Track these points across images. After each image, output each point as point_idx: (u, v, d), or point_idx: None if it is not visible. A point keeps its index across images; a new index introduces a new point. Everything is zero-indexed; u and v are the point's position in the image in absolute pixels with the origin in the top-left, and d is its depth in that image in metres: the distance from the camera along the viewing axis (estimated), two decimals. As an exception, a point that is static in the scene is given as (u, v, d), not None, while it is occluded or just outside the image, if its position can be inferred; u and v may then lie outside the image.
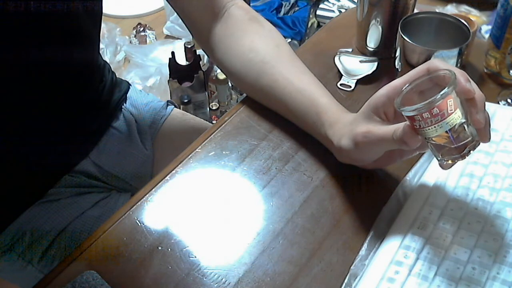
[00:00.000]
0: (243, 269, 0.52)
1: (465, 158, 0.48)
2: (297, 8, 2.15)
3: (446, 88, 0.45)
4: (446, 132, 0.46)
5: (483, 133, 0.49)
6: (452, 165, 0.51)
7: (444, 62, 0.50)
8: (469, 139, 0.47)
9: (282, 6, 2.15)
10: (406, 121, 0.48)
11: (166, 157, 0.75)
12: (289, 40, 2.01)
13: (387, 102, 0.51)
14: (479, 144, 0.48)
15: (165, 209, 0.58)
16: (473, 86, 0.48)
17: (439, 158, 0.49)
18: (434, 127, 0.46)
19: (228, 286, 0.51)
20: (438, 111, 0.45)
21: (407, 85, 0.49)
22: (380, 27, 0.74)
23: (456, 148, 0.47)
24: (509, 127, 0.60)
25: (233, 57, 0.68)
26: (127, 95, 0.87)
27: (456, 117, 0.46)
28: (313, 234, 0.55)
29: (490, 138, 0.50)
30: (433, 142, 0.48)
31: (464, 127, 0.46)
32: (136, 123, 0.85)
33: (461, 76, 0.47)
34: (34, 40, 0.62)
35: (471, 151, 0.48)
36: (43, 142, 0.71)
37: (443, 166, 0.51)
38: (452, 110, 0.45)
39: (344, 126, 0.56)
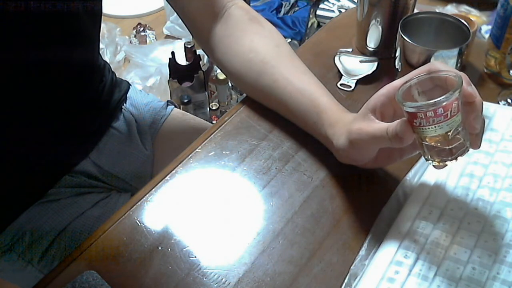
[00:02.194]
0: (243, 269, 0.52)
1: (453, 161, 0.48)
2: (297, 8, 2.16)
3: (455, 89, 0.45)
4: (444, 133, 0.46)
5: (475, 139, 0.49)
6: (444, 166, 0.51)
7: (445, 64, 0.50)
8: (461, 142, 0.47)
9: (282, 6, 2.15)
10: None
11: (166, 157, 0.75)
12: (289, 40, 2.01)
13: (387, 102, 0.51)
14: (469, 150, 0.48)
15: (165, 209, 0.58)
16: (474, 90, 0.48)
17: (427, 157, 0.49)
18: (434, 127, 0.46)
19: (228, 286, 0.51)
20: (442, 111, 0.45)
21: (410, 79, 0.49)
22: (380, 27, 0.74)
23: (447, 150, 0.47)
24: (509, 127, 0.60)
25: (233, 57, 0.68)
26: (127, 95, 0.87)
27: (457, 120, 0.46)
28: (313, 234, 0.55)
29: (480, 146, 0.50)
30: (426, 142, 0.48)
31: (459, 130, 0.47)
32: (136, 123, 0.85)
33: (463, 79, 0.47)
34: (34, 40, 0.62)
35: (460, 156, 0.48)
36: (43, 142, 0.71)
37: (436, 166, 0.51)
38: (454, 112, 0.45)
39: (343, 125, 0.56)
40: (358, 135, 0.52)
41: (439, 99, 0.44)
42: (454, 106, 0.45)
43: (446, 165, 0.50)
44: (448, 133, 0.46)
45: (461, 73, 0.48)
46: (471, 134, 0.48)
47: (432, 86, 0.49)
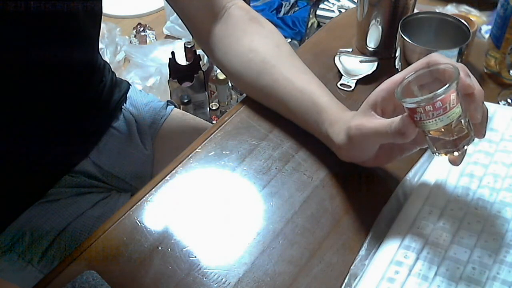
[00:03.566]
0: (243, 269, 0.52)
1: (459, 152, 0.48)
2: (297, 8, 2.16)
3: (451, 82, 0.45)
4: (446, 125, 0.46)
5: (479, 128, 0.50)
6: (462, 158, 0.51)
7: (444, 56, 0.50)
8: (465, 133, 0.47)
9: (282, 6, 2.15)
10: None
11: (166, 157, 0.75)
12: (289, 40, 2.01)
13: (387, 97, 0.51)
14: (474, 139, 0.49)
15: (165, 209, 0.58)
16: (473, 81, 0.48)
17: (433, 150, 0.50)
18: (435, 120, 0.46)
19: (228, 286, 0.51)
20: (441, 105, 0.45)
21: (408, 76, 0.49)
22: (380, 27, 0.74)
23: (452, 141, 0.48)
24: (509, 127, 0.60)
25: (233, 57, 0.68)
26: (127, 95, 0.87)
27: (457, 111, 0.46)
28: (313, 234, 0.55)
29: (484, 135, 0.51)
30: (430, 135, 0.48)
31: (461, 121, 0.47)
32: (136, 123, 0.85)
33: (462, 70, 0.47)
34: (34, 40, 0.62)
35: (466, 146, 0.48)
36: (43, 142, 0.71)
37: (453, 162, 0.51)
38: (454, 104, 0.45)
39: (344, 124, 0.56)
40: (359, 131, 0.52)
41: (435, 92, 0.45)
42: (452, 98, 0.45)
43: (456, 156, 0.50)
44: (450, 125, 0.46)
45: (460, 65, 0.48)
46: (474, 124, 0.49)
47: (432, 79, 0.49)
